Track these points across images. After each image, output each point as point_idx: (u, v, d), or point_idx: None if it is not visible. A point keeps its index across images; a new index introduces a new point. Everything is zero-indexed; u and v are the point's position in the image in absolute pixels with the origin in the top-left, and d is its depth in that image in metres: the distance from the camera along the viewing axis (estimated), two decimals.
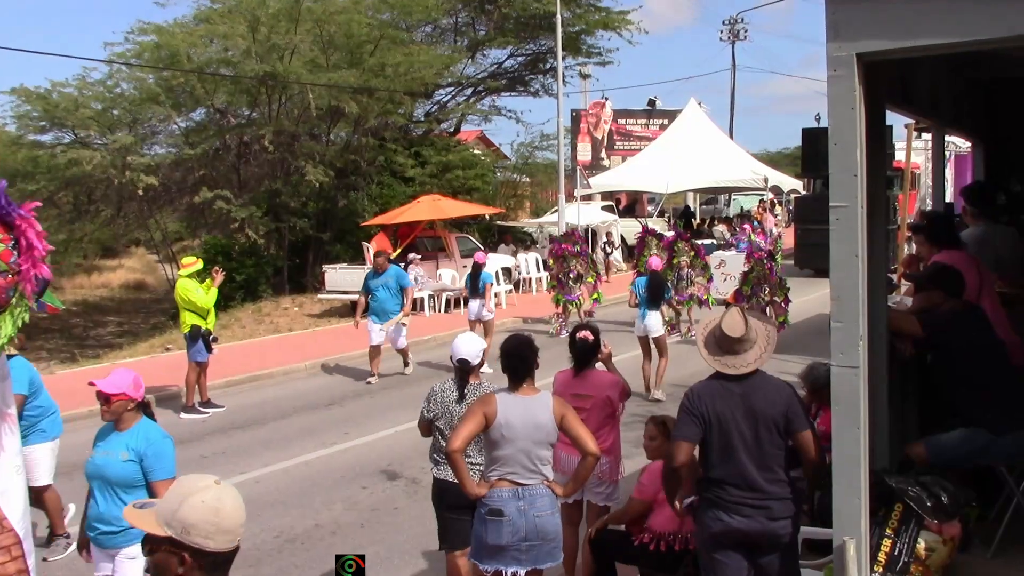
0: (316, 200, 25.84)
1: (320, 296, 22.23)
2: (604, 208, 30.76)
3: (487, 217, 29.58)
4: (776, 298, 16.23)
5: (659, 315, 12.58)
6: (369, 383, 13.96)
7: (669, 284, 17.03)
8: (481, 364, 5.93)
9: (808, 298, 19.57)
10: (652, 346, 12.42)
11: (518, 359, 5.19)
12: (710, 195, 40.28)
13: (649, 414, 6.13)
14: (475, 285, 14.36)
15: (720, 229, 29.08)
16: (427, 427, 5.94)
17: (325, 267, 22.38)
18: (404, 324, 14.19)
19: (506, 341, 5.35)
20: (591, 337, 6.33)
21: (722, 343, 4.65)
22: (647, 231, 18.65)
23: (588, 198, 29.87)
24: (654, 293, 12.44)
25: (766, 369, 4.73)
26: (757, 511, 4.50)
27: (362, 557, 4.41)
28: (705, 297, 17.09)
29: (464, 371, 5.84)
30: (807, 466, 4.67)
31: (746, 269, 16.74)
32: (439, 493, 5.84)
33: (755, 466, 4.51)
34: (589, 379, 6.29)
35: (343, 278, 20.79)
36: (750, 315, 4.76)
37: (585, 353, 6.31)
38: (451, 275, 21.64)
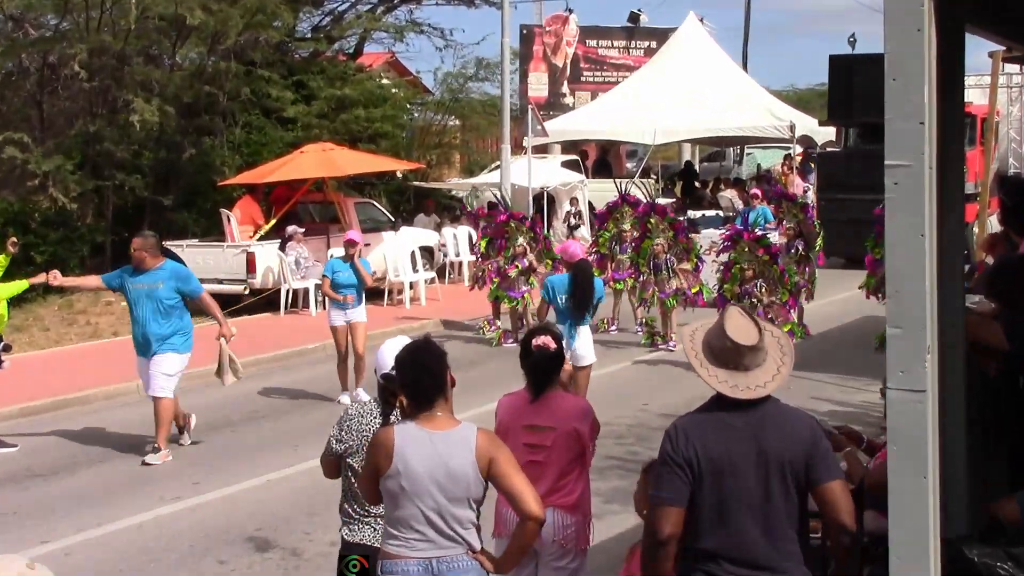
0: (154, 149, 25.53)
1: None
2: (566, 164, 30.77)
3: (399, 175, 29.45)
4: (776, 298, 15.40)
5: (590, 333, 11.69)
6: (147, 463, 11.74)
7: (645, 276, 16.95)
8: None
9: (832, 299, 19.71)
10: (575, 376, 11.22)
11: (419, 371, 5.07)
12: (715, 148, 40.64)
13: (628, 457, 6.09)
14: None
15: (729, 196, 29.26)
16: (334, 465, 5.84)
17: (167, 244, 22.09)
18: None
19: (402, 348, 5.25)
20: (553, 345, 6.23)
21: (723, 355, 4.60)
22: (624, 199, 18.49)
23: (543, 149, 29.91)
24: (581, 298, 11.38)
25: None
26: None
27: (366, 557, 4.76)
28: (695, 291, 16.96)
29: (389, 390, 5.67)
30: (833, 534, 4.65)
31: (724, 259, 15.98)
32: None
33: (762, 533, 4.50)
34: (550, 405, 6.18)
35: (193, 260, 20.52)
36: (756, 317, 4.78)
37: (545, 368, 6.20)
38: None
